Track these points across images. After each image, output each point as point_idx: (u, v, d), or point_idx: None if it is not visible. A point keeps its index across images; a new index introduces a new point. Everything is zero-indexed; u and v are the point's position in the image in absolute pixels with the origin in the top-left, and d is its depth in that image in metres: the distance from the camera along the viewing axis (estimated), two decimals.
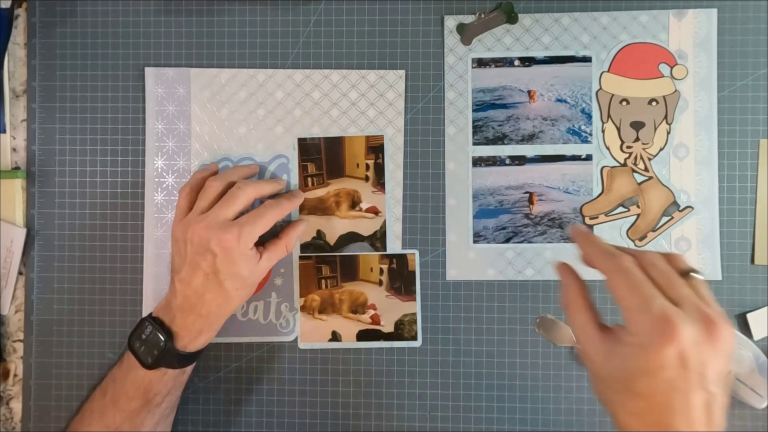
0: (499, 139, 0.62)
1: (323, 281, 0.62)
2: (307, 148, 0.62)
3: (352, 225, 0.62)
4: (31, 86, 0.64)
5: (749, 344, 0.59)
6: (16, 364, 0.64)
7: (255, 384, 0.63)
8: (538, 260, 0.61)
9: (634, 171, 0.61)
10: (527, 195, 0.62)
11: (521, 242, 0.61)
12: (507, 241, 0.61)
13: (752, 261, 0.61)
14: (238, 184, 0.56)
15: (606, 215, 0.61)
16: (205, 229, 0.53)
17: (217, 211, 0.54)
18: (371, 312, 0.62)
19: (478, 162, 0.62)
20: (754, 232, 0.61)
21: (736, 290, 0.60)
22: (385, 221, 0.62)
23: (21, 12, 0.64)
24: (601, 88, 0.61)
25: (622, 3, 0.61)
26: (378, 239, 0.62)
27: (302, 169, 0.62)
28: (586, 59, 0.61)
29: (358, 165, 0.62)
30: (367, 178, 0.62)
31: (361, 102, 0.62)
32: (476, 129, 0.62)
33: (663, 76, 0.61)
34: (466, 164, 0.62)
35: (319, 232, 0.62)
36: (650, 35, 0.61)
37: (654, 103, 0.61)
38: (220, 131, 0.63)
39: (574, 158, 0.62)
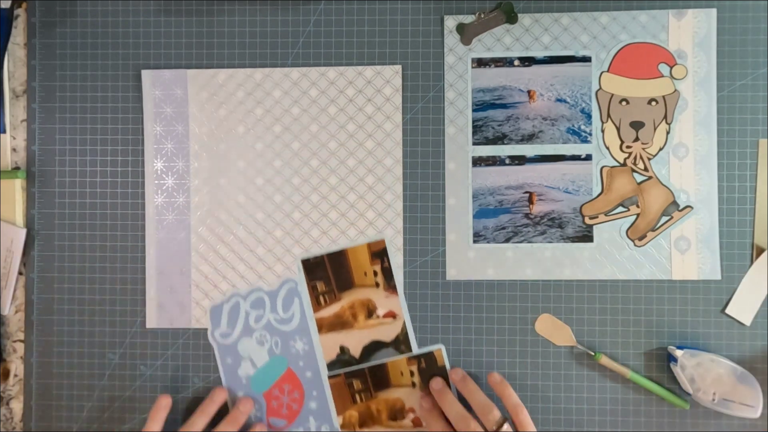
0: (499, 139, 0.62)
1: (357, 395, 0.61)
2: (312, 268, 0.62)
3: (373, 333, 0.61)
4: (31, 86, 0.64)
5: (722, 361, 0.58)
6: (16, 364, 0.64)
7: None
8: (538, 260, 0.61)
9: (633, 171, 0.61)
10: (527, 195, 0.62)
11: (521, 242, 0.62)
12: (507, 240, 0.62)
13: (752, 261, 0.61)
14: None
15: (606, 215, 0.61)
16: None
17: None
18: (411, 416, 0.61)
19: (478, 162, 0.62)
20: (753, 231, 0.61)
21: (735, 290, 0.61)
22: (404, 323, 0.61)
23: (21, 12, 0.64)
24: (600, 88, 0.61)
25: (621, 3, 0.61)
26: (402, 342, 0.61)
27: (312, 289, 0.62)
28: (586, 59, 0.62)
29: (365, 273, 0.62)
30: (377, 285, 0.62)
31: (359, 98, 0.62)
32: (476, 129, 0.62)
33: (662, 76, 0.61)
34: (466, 164, 0.62)
35: (342, 347, 0.61)
36: (650, 35, 0.61)
37: (653, 103, 0.61)
38: (218, 131, 0.63)
39: (574, 158, 0.62)
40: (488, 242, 0.62)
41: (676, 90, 0.61)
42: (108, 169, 0.63)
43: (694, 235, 0.61)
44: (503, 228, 0.62)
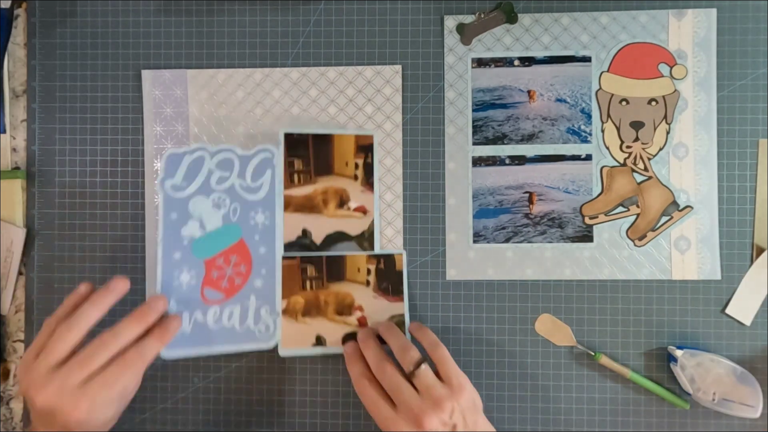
0: (499, 139, 0.62)
1: (308, 282, 0.60)
2: (294, 144, 0.60)
3: (340, 224, 0.61)
4: (31, 86, 0.64)
5: (722, 361, 0.58)
6: (16, 364, 0.64)
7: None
8: (538, 260, 0.61)
9: (633, 171, 0.61)
10: (527, 195, 0.62)
11: (521, 242, 0.62)
12: (507, 240, 0.62)
13: (752, 261, 0.61)
14: (102, 340, 0.51)
15: (606, 215, 0.61)
16: (54, 395, 0.48)
17: (73, 374, 0.49)
18: (358, 314, 0.60)
19: (478, 162, 0.62)
20: (753, 231, 0.61)
21: (735, 290, 0.61)
22: (373, 221, 0.61)
23: (21, 12, 0.64)
24: (600, 88, 0.61)
25: (621, 3, 0.61)
26: (366, 239, 0.61)
27: (288, 164, 0.60)
28: (586, 59, 0.62)
29: (347, 163, 0.61)
30: (356, 177, 0.61)
31: (359, 98, 0.62)
32: (476, 129, 0.62)
33: (662, 76, 0.61)
34: (466, 164, 0.62)
35: (304, 230, 0.60)
36: (650, 35, 0.61)
37: (653, 103, 0.61)
38: (218, 132, 0.63)
39: (574, 158, 0.62)
40: (488, 242, 0.62)
41: (676, 90, 0.61)
42: (108, 169, 0.63)
43: (694, 235, 0.61)
44: (503, 228, 0.62)
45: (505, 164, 0.62)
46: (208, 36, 0.63)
